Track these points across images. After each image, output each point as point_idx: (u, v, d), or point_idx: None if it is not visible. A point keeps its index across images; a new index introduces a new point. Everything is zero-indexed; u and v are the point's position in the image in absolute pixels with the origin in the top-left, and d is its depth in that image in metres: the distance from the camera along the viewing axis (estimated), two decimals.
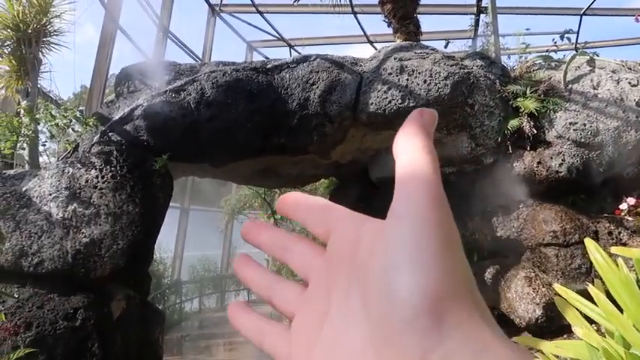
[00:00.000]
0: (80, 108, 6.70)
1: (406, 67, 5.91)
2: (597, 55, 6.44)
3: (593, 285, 2.14)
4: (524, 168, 5.72)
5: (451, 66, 5.97)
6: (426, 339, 0.26)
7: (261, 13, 12.86)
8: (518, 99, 5.99)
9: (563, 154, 5.62)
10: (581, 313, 2.06)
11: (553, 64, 6.51)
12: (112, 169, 5.26)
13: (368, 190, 7.82)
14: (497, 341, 0.27)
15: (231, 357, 10.41)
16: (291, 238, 0.43)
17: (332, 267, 0.35)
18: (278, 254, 0.43)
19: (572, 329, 2.00)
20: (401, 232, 0.30)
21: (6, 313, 4.29)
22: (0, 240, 4.47)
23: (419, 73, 5.85)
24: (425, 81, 5.77)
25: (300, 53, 7.86)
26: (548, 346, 2.01)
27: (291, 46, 14.38)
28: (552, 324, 4.83)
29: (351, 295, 0.32)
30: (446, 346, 0.26)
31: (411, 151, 0.33)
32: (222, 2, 13.16)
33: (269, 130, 5.92)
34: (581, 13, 11.02)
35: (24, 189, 5.11)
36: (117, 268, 4.99)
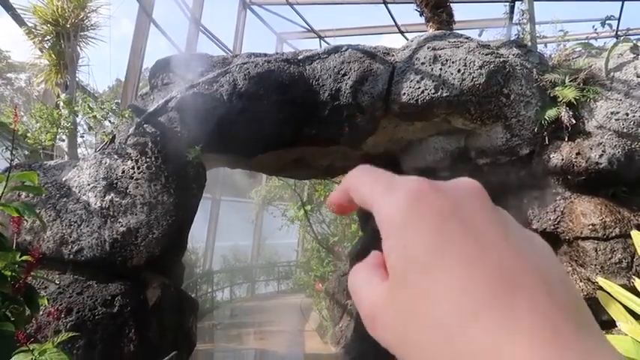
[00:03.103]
0: (116, 100, 6.84)
1: (439, 56, 5.81)
2: None
3: (637, 279, 2.07)
4: (562, 159, 5.55)
5: (486, 55, 5.82)
6: None
7: (291, 4, 12.85)
8: (557, 88, 5.81)
9: (604, 145, 5.42)
10: (625, 308, 1.98)
11: (594, 51, 6.27)
12: (148, 159, 5.37)
13: None
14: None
15: (261, 345, 10.54)
16: None
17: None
18: None
19: (617, 324, 1.93)
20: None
21: (48, 299, 4.45)
22: (42, 228, 4.63)
23: (453, 62, 5.73)
24: (459, 70, 5.66)
25: (330, 45, 7.82)
26: None
27: (321, 38, 14.33)
28: None
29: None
30: None
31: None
32: None
33: (300, 121, 5.92)
34: None
35: (64, 179, 5.27)
36: (152, 257, 5.11)
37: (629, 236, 5.00)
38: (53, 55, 6.56)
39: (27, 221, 4.82)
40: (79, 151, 6.62)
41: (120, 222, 5.02)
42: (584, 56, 6.23)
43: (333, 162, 7.73)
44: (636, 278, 1.87)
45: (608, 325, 4.24)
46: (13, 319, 2.56)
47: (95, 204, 5.07)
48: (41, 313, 4.39)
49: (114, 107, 6.20)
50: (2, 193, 2.56)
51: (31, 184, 3.04)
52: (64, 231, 4.95)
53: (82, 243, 4.93)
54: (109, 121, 6.20)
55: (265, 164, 7.52)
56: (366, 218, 9.69)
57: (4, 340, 2.38)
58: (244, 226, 17.29)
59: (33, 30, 6.62)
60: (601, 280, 2.02)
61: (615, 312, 2.01)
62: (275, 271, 18.97)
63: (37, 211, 4.00)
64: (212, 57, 6.48)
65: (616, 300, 2.03)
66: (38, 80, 7.15)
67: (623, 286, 2.13)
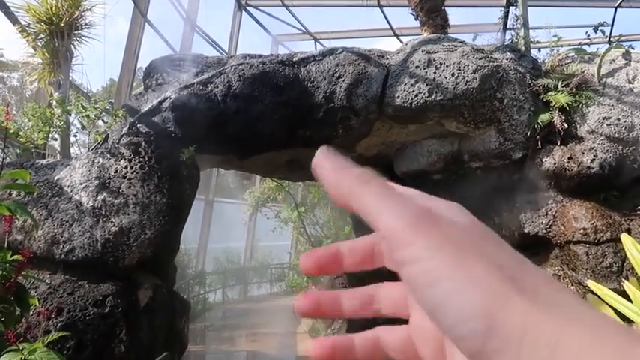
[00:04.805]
0: (110, 100, 6.81)
1: (434, 60, 5.84)
2: (633, 49, 6.24)
3: (627, 282, 2.09)
4: (554, 163, 5.59)
5: (480, 59, 5.86)
6: None
7: (286, 6, 12.86)
8: (550, 93, 5.86)
9: (596, 150, 5.47)
10: (615, 311, 2.00)
11: (586, 57, 6.33)
12: (141, 159, 5.35)
13: None
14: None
15: (253, 347, 10.51)
16: (368, 288, 0.41)
17: None
18: (366, 311, 0.41)
19: None
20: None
21: (39, 299, 4.42)
22: (33, 227, 4.60)
23: (447, 66, 5.76)
24: (453, 74, 5.69)
25: (325, 47, 7.84)
26: None
27: (316, 40, 14.36)
28: None
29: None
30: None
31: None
32: None
33: (295, 122, 5.92)
34: (616, 5, 10.67)
35: (56, 178, 5.24)
36: (144, 257, 5.08)
37: (620, 240, 5.05)
38: (47, 54, 6.52)
39: (18, 220, 4.78)
40: (71, 150, 6.59)
41: (112, 222, 4.99)
42: (576, 62, 6.29)
43: None
44: (626, 281, 1.88)
45: None
46: (3, 318, 2.55)
47: (87, 203, 5.04)
48: (31, 313, 4.36)
49: (107, 107, 6.17)
50: None
51: (23, 182, 3.03)
52: (56, 230, 4.92)
53: (74, 243, 4.90)
54: (103, 121, 6.17)
55: (259, 165, 7.51)
56: (360, 221, 9.68)
57: None
58: (237, 228, 17.25)
59: (27, 28, 6.58)
60: (591, 284, 2.04)
61: None
62: (268, 272, 18.94)
63: (29, 211, 3.97)
64: (207, 57, 6.48)
65: (606, 303, 2.05)
66: (31, 79, 7.10)
67: (614, 289, 2.15)
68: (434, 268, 0.29)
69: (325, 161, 0.36)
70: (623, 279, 4.31)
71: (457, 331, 0.28)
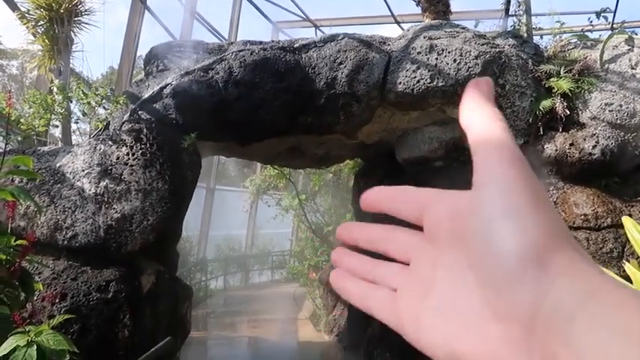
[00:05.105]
0: (110, 87, 6.80)
1: (436, 46, 5.81)
2: (636, 35, 6.20)
3: (628, 264, 2.10)
4: (556, 150, 5.59)
5: (482, 45, 5.83)
6: (535, 287, 0.28)
7: None
8: (552, 79, 5.83)
9: (597, 136, 5.46)
10: None
11: (589, 43, 6.29)
12: (142, 146, 5.35)
13: (394, 172, 7.78)
14: (606, 281, 0.27)
15: (255, 334, 10.60)
16: (386, 228, 0.44)
17: (433, 240, 0.37)
18: (379, 247, 0.44)
19: None
20: (490, 195, 0.31)
21: (42, 284, 4.45)
22: (37, 212, 4.62)
23: (449, 52, 5.74)
24: (455, 60, 5.66)
25: (325, 34, 7.79)
26: None
27: (317, 27, 14.27)
28: None
29: (455, 260, 0.34)
30: (555, 291, 0.27)
31: (481, 122, 0.34)
32: None
33: (296, 109, 5.91)
34: None
35: (58, 165, 5.25)
36: (147, 244, 5.11)
37: (620, 226, 5.07)
38: (47, 41, 6.49)
39: (21, 206, 4.80)
40: (72, 138, 6.58)
41: (114, 208, 5.01)
42: (579, 48, 6.25)
43: (328, 151, 7.73)
44: (627, 263, 1.90)
45: None
46: (8, 302, 2.57)
47: (89, 190, 5.05)
48: (35, 298, 4.40)
49: (108, 94, 6.15)
50: None
51: (25, 168, 3.03)
52: (58, 217, 4.94)
53: (77, 229, 4.92)
54: (104, 107, 6.16)
55: (260, 152, 7.52)
56: (361, 208, 9.71)
57: (0, 322, 2.39)
58: (238, 216, 17.29)
59: (26, 15, 6.54)
60: None
61: None
62: (269, 260, 19.02)
63: (32, 196, 3.99)
64: (207, 44, 6.44)
65: None
66: (31, 66, 7.07)
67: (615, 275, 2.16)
68: None
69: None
70: (624, 261, 4.34)
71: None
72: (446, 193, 0.38)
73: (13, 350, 2.17)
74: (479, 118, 0.35)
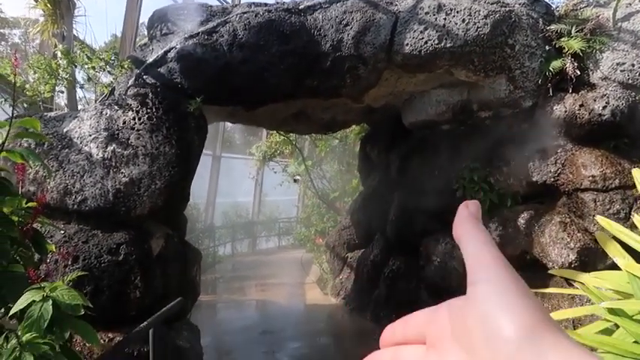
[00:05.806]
0: (115, 51, 6.72)
1: (444, 5, 5.67)
2: None
3: (637, 215, 2.10)
4: (565, 111, 5.52)
5: (492, 4, 5.69)
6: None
7: None
8: (562, 39, 5.71)
9: (608, 97, 5.38)
10: (624, 247, 2.03)
11: (602, 1, 6.13)
12: (148, 110, 5.34)
13: (400, 136, 7.74)
14: (587, 355, 0.32)
15: (262, 297, 10.81)
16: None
17: (438, 346, 0.41)
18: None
19: (614, 261, 1.98)
20: (487, 290, 0.36)
21: (55, 247, 4.53)
22: (47, 175, 4.66)
23: (457, 12, 5.61)
24: (463, 20, 5.54)
25: None
26: (587, 278, 2.00)
27: None
28: (586, 269, 4.80)
29: (458, 357, 0.38)
30: None
31: (474, 244, 0.40)
32: None
33: (301, 72, 5.84)
34: None
35: (65, 130, 5.25)
36: (155, 207, 5.16)
37: (629, 187, 5.05)
38: (48, 4, 6.41)
39: (31, 169, 4.84)
40: (78, 106, 6.57)
41: (122, 172, 5.04)
42: (591, 6, 6.09)
43: (334, 116, 7.69)
44: (636, 215, 1.90)
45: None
46: (21, 262, 2.62)
47: (97, 155, 5.07)
48: (49, 260, 4.49)
49: (112, 58, 6.09)
50: (5, 139, 2.56)
51: (34, 131, 3.04)
52: (67, 181, 4.98)
53: (86, 193, 4.97)
54: (109, 72, 6.12)
55: (265, 118, 7.48)
56: (367, 173, 9.73)
57: (15, 279, 2.44)
58: (245, 183, 17.38)
59: None
60: (600, 219, 2.06)
61: (613, 250, 2.06)
62: (276, 226, 19.22)
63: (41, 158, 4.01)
64: (211, 6, 6.33)
65: (615, 239, 2.08)
66: (34, 32, 7.01)
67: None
68: None
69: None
70: (633, 214, 4.34)
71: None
72: (441, 304, 0.42)
73: (29, 305, 2.23)
74: (468, 230, 0.41)
